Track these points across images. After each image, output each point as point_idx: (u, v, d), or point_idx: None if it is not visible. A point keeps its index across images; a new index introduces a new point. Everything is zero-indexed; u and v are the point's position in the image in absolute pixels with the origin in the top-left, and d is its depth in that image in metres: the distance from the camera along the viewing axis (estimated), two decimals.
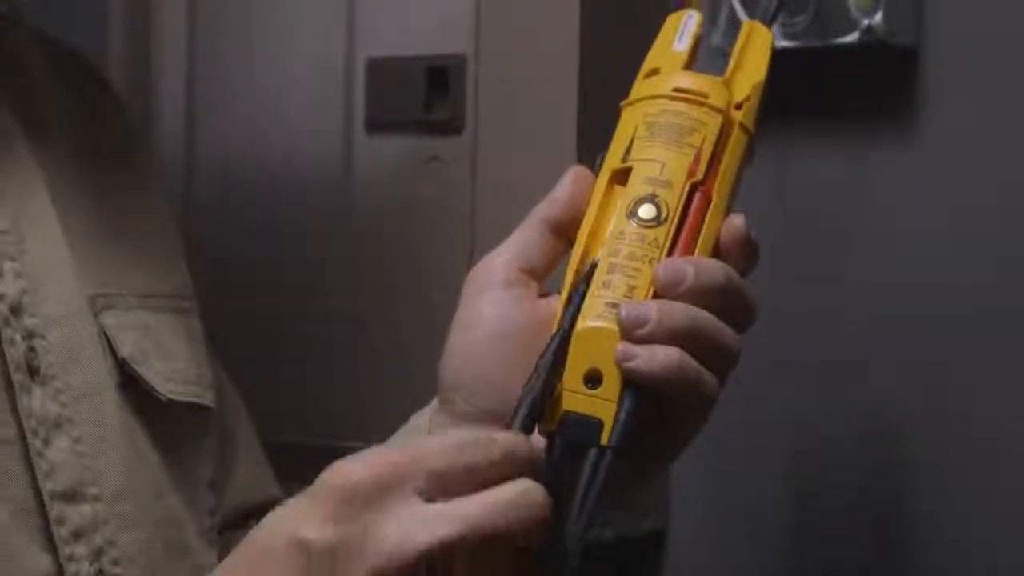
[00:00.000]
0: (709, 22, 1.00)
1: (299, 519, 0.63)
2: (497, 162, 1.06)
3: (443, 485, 0.62)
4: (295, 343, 1.15)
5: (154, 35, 1.22)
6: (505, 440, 0.65)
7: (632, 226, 0.72)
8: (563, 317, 0.70)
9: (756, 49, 0.78)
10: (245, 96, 1.18)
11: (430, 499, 0.62)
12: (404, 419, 0.79)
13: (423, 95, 1.08)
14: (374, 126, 1.11)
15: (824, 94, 1.02)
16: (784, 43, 0.98)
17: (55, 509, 0.73)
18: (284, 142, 1.16)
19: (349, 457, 0.63)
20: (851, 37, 0.96)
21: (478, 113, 1.07)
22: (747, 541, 1.06)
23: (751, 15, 0.98)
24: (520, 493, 0.63)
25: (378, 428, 0.79)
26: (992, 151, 0.97)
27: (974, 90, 0.97)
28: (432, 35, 1.08)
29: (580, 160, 1.01)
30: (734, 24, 0.99)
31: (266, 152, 1.17)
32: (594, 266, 0.72)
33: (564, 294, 0.72)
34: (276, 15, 1.16)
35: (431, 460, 0.63)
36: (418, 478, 0.62)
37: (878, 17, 0.95)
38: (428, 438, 0.68)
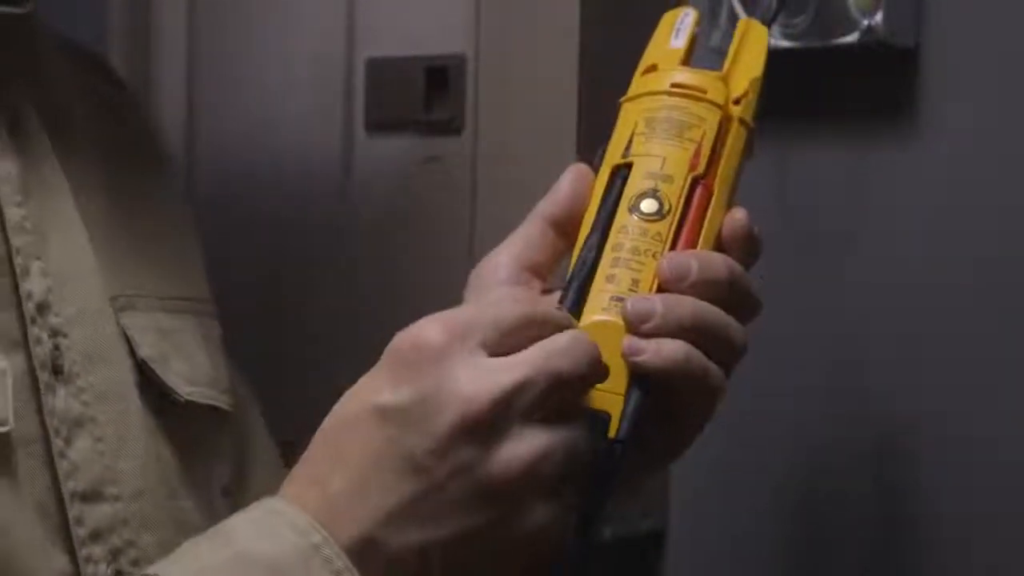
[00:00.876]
0: (709, 23, 1.00)
1: (374, 387, 0.67)
2: (497, 162, 1.06)
3: (505, 339, 0.66)
4: (295, 343, 1.15)
5: (154, 35, 1.22)
6: (557, 312, 0.70)
7: (634, 220, 0.72)
8: (602, 206, 0.73)
9: (752, 45, 0.79)
10: (245, 96, 1.18)
11: (494, 353, 0.66)
12: None
13: (423, 95, 1.08)
14: (374, 126, 1.11)
15: (824, 94, 1.01)
16: (784, 43, 0.98)
17: (75, 509, 0.73)
18: (284, 142, 1.16)
19: (415, 323, 0.67)
20: (851, 37, 0.96)
21: (478, 113, 1.07)
22: (747, 541, 1.06)
23: (751, 15, 0.98)
24: (572, 338, 0.67)
25: None
26: (992, 151, 0.96)
27: (974, 90, 0.97)
28: (432, 35, 1.08)
29: (580, 159, 1.00)
30: (734, 24, 0.99)
31: (266, 152, 1.17)
32: (628, 167, 0.74)
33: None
34: (276, 15, 1.16)
35: (493, 315, 0.67)
36: (482, 332, 0.66)
37: (878, 17, 0.95)
38: (485, 301, 0.72)
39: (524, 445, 0.65)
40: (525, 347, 0.66)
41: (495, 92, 1.06)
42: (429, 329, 0.66)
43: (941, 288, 0.98)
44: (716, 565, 1.08)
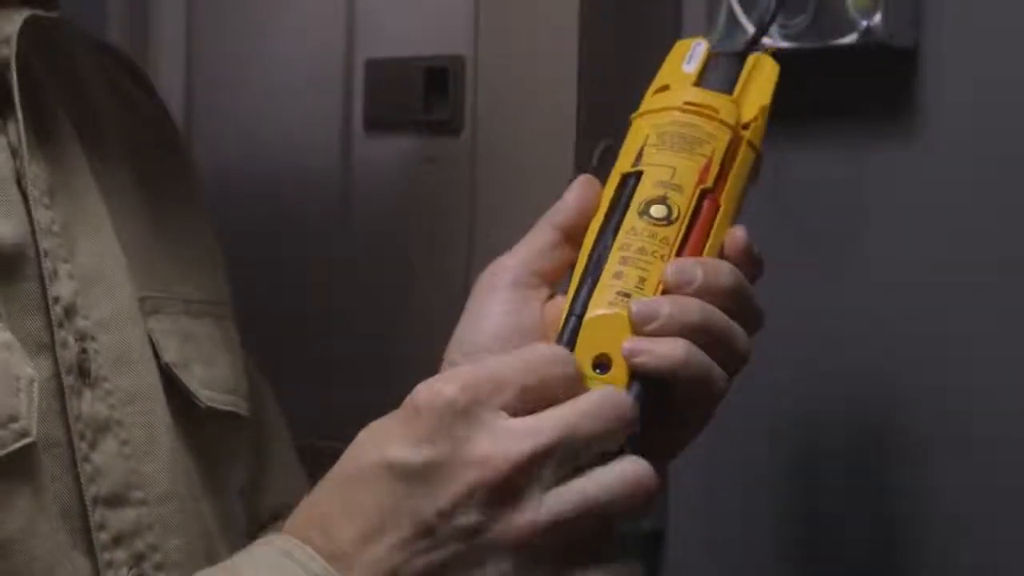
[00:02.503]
0: (708, 23, 1.00)
1: (388, 438, 0.66)
2: (496, 162, 1.06)
3: (526, 400, 0.66)
4: (294, 343, 1.15)
5: (153, 35, 1.22)
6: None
7: (643, 223, 0.74)
8: (612, 209, 0.74)
9: (762, 76, 0.82)
10: (244, 96, 1.18)
11: (514, 414, 0.65)
12: None
13: (422, 95, 1.08)
14: (373, 126, 1.11)
15: (824, 94, 1.01)
16: (783, 44, 0.98)
17: (97, 514, 0.73)
18: (284, 142, 1.16)
19: (436, 376, 0.66)
20: (850, 38, 0.96)
21: (477, 113, 1.07)
22: (747, 541, 1.06)
23: (750, 16, 0.98)
24: (603, 395, 0.67)
25: None
26: (992, 151, 0.96)
27: (974, 90, 0.97)
28: (431, 36, 1.09)
29: (579, 160, 1.01)
30: (733, 25, 0.99)
31: (265, 152, 1.17)
32: (639, 175, 0.74)
33: (575, 277, 0.74)
34: (275, 15, 1.16)
35: (516, 376, 0.66)
36: (505, 393, 0.65)
37: (877, 18, 0.95)
38: (506, 356, 0.69)
39: (542, 511, 0.64)
40: (548, 401, 0.66)
41: (495, 92, 1.06)
42: (449, 387, 0.65)
43: (941, 288, 0.98)
44: (716, 565, 1.08)
